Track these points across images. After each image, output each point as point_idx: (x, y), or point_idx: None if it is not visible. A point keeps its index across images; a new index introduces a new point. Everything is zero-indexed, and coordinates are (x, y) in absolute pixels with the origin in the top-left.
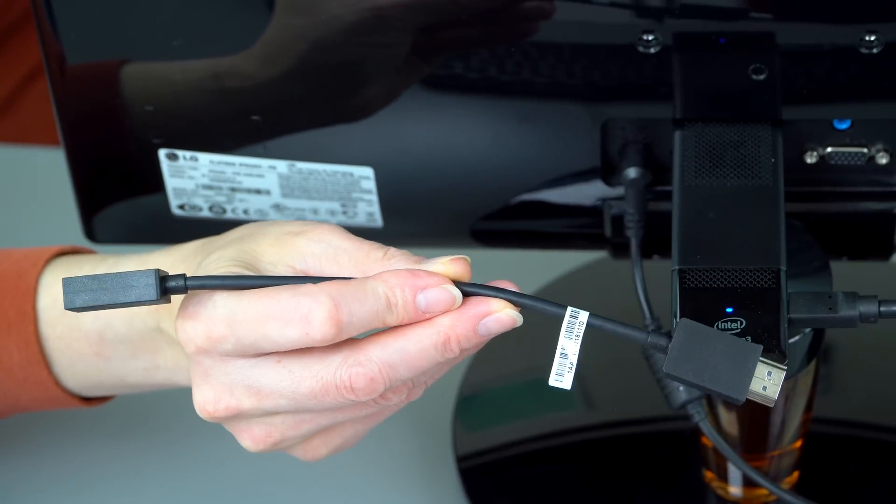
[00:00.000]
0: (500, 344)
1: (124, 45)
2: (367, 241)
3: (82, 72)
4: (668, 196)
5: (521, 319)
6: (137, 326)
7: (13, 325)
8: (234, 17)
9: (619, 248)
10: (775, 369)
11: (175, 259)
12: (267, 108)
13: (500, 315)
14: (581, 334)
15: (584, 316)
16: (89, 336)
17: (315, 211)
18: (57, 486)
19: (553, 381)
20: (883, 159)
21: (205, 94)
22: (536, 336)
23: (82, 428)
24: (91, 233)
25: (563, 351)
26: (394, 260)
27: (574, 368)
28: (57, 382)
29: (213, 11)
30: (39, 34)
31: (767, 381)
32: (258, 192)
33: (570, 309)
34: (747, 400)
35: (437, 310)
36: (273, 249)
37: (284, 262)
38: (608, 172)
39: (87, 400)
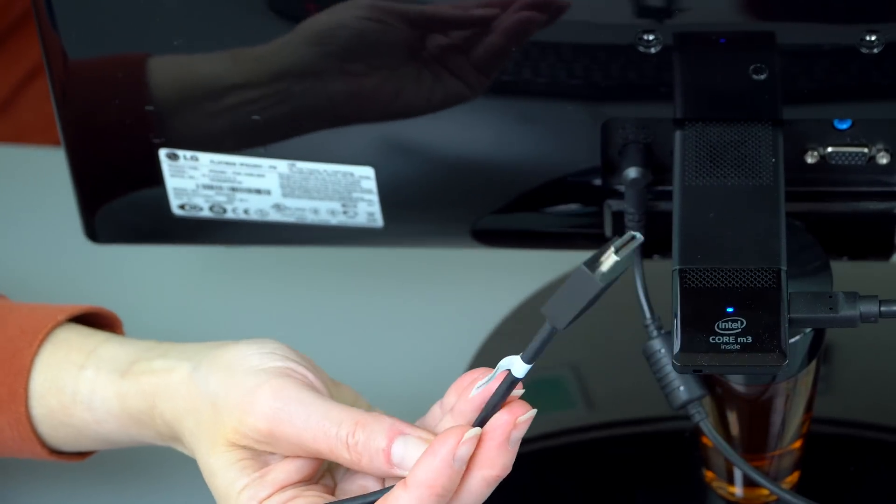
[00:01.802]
0: (500, 345)
1: (126, 44)
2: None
3: (83, 71)
4: (668, 196)
5: (532, 409)
6: (144, 441)
7: (4, 404)
8: (236, 18)
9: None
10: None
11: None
12: (270, 110)
13: (521, 423)
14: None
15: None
16: (83, 430)
17: (315, 210)
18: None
19: None
20: (883, 159)
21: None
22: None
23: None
24: (92, 233)
25: None
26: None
27: None
28: (52, 451)
29: (216, 10)
30: (40, 33)
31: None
32: (259, 191)
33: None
34: (748, 400)
35: (469, 453)
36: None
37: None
38: (609, 172)
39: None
